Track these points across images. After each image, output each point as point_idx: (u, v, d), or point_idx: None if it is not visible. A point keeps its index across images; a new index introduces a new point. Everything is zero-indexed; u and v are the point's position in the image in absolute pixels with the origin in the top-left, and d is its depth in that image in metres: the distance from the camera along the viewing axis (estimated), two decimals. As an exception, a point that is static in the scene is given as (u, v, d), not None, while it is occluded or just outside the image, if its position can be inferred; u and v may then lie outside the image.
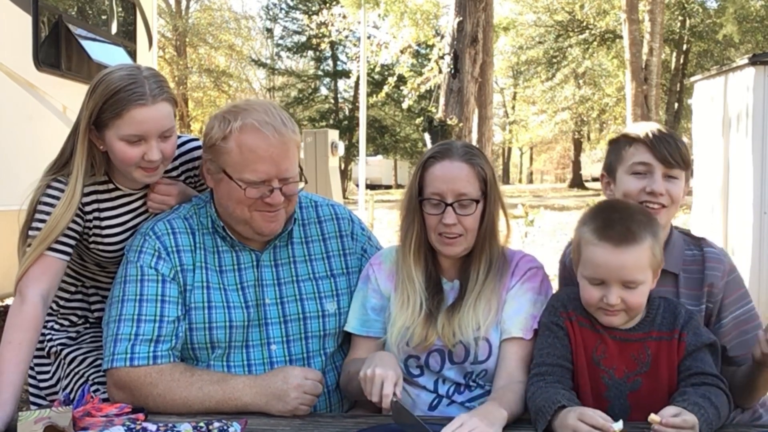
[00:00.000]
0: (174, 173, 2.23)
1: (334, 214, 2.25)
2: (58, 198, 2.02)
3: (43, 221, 2.01)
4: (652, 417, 1.57)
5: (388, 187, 37.76)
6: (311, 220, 2.20)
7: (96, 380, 2.15)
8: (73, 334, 2.33)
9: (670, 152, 1.99)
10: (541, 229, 12.89)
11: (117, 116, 1.94)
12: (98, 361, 2.16)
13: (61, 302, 2.33)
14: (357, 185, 18.22)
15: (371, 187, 26.50)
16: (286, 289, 2.09)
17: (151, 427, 1.69)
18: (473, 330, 1.96)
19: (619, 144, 2.09)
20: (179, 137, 2.18)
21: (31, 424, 1.61)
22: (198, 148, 2.25)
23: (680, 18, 26.23)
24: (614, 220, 1.79)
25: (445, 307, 2.01)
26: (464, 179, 1.96)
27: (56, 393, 2.26)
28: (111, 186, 2.14)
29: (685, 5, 25.36)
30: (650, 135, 2.01)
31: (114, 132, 1.97)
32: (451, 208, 1.95)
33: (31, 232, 2.02)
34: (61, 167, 2.07)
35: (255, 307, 2.04)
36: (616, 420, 1.59)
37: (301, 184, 2.04)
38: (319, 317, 2.10)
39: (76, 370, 2.23)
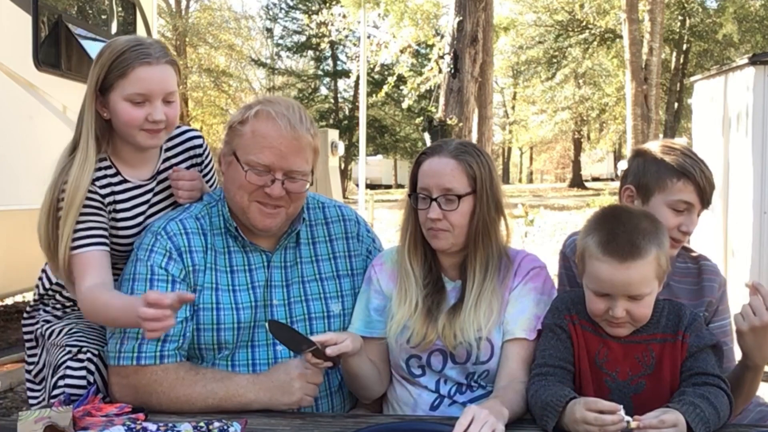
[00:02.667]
0: (176, 160, 2.23)
1: (341, 215, 2.25)
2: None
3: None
4: (631, 423, 1.56)
5: (388, 186, 37.77)
6: (318, 221, 2.20)
7: (68, 344, 2.08)
8: (60, 314, 2.28)
9: (712, 194, 2.02)
10: (541, 229, 12.91)
11: (122, 75, 1.98)
12: (74, 329, 2.12)
13: (68, 303, 2.32)
14: (357, 185, 18.22)
15: (371, 186, 26.51)
16: (293, 290, 2.09)
17: (151, 426, 1.69)
18: (475, 331, 1.95)
19: (662, 169, 2.04)
20: (178, 127, 2.21)
21: (31, 424, 1.61)
22: (197, 137, 2.29)
23: (680, 18, 26.22)
24: (618, 233, 1.75)
25: (447, 307, 2.01)
26: (449, 174, 1.97)
27: (41, 372, 2.22)
28: (120, 178, 2.13)
29: (685, 5, 25.35)
30: (701, 175, 2.00)
31: (119, 92, 1.99)
32: (436, 203, 1.96)
33: (60, 213, 1.99)
34: (74, 149, 2.06)
35: (263, 308, 2.04)
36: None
37: (306, 185, 2.03)
38: (324, 318, 2.10)
39: (53, 341, 2.16)
